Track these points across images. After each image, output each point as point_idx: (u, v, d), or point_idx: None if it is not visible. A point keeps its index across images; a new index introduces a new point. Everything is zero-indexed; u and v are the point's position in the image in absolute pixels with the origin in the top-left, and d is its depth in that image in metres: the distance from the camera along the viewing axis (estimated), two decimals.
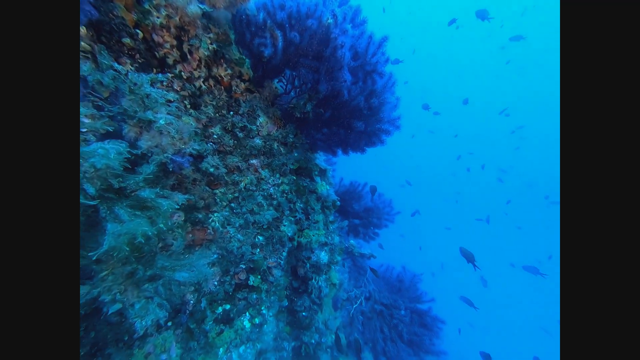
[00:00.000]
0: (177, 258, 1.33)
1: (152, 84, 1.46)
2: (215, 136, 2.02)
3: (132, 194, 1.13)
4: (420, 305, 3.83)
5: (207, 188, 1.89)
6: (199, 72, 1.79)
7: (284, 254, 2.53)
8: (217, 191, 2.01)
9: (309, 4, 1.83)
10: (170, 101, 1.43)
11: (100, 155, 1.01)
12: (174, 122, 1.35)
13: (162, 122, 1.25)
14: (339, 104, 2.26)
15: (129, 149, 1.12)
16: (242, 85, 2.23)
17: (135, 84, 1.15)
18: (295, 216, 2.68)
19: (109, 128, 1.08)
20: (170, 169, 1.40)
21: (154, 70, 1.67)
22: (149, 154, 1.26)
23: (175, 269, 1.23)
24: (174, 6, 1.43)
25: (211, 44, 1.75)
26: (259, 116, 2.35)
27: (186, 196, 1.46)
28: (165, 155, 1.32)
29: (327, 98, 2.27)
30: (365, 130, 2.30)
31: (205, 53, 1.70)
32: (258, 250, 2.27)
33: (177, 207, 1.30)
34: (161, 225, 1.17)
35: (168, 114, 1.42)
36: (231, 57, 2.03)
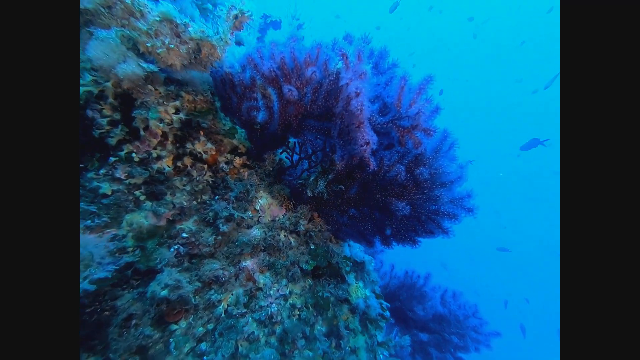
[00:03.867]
0: None
1: None
2: (184, 235, 1.40)
3: None
4: None
5: (150, 330, 1.17)
6: (159, 150, 1.30)
7: None
8: (176, 327, 1.28)
9: (309, 49, 1.30)
10: None
11: None
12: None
13: None
14: (367, 176, 1.50)
15: None
16: (238, 160, 1.69)
17: None
18: (317, 348, 1.71)
19: None
20: None
21: (96, 155, 1.22)
22: None
23: None
24: (98, 67, 1.02)
25: (175, 112, 1.28)
26: (259, 197, 1.72)
27: None
28: None
29: (350, 169, 1.55)
30: (413, 214, 1.43)
31: (161, 126, 1.22)
32: None
33: None
34: None
35: None
36: (217, 127, 1.56)
